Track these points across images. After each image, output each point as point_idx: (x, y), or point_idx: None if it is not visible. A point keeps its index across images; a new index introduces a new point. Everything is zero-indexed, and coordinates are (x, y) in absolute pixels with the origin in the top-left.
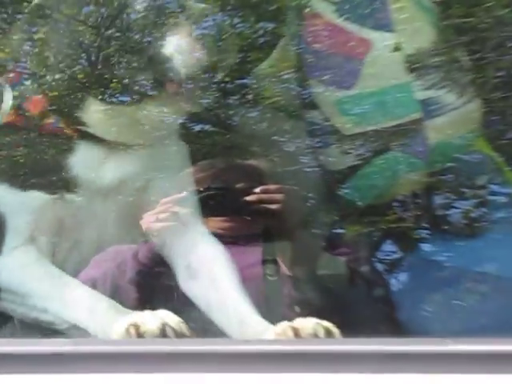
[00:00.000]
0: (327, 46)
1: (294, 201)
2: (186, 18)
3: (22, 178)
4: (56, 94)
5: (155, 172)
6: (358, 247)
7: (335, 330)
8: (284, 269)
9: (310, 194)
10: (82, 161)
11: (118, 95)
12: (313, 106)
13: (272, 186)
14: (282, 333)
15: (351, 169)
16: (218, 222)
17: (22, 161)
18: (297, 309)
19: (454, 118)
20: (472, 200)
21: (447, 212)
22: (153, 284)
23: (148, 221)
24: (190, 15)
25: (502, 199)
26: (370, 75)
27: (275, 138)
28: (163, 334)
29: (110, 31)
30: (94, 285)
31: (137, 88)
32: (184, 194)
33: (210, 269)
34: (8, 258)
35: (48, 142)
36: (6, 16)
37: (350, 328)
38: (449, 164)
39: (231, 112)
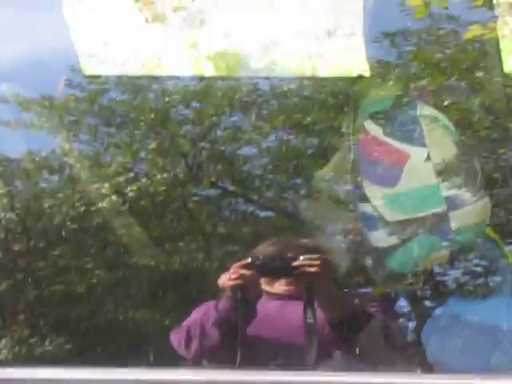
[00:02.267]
0: (376, 156)
1: (330, 266)
2: None
3: None
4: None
5: None
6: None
7: None
8: (319, 314)
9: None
10: None
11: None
12: (365, 199)
13: (313, 255)
14: None
15: (393, 246)
16: (280, 285)
17: None
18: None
19: (470, 210)
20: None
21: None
22: (228, 326)
23: (223, 280)
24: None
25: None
26: (409, 178)
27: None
28: None
29: (202, 143)
30: (188, 330)
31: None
32: (249, 260)
33: None
34: None
35: None
36: (127, 132)
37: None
38: (466, 245)
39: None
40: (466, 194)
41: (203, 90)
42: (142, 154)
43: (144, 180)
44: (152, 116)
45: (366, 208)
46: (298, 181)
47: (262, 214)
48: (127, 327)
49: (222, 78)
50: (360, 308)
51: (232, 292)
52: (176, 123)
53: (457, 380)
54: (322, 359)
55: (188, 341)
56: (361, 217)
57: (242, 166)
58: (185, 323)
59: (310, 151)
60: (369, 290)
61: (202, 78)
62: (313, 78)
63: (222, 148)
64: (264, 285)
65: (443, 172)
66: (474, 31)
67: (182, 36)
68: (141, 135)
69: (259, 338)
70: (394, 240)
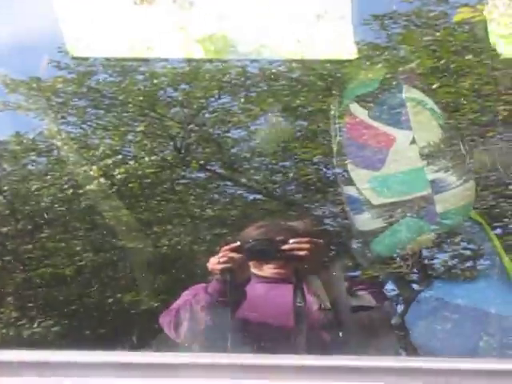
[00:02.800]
0: (362, 139)
1: (319, 250)
2: None
3: None
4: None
5: None
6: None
7: None
8: (310, 298)
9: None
10: None
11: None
12: (350, 182)
13: (303, 239)
14: None
15: (379, 230)
16: (269, 268)
17: None
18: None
19: (455, 193)
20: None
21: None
22: (218, 309)
23: (213, 263)
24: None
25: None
26: (394, 161)
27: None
28: None
29: (190, 126)
30: (177, 313)
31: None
32: (238, 243)
33: None
34: None
35: None
36: (116, 114)
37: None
38: (452, 228)
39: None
40: (451, 178)
41: (192, 73)
42: (130, 137)
43: (132, 163)
44: (140, 98)
45: (351, 191)
46: (287, 163)
47: (251, 196)
48: (115, 310)
49: (211, 61)
50: (349, 291)
51: (221, 275)
52: (164, 105)
53: (442, 363)
54: (310, 342)
55: (177, 324)
56: (346, 200)
57: (230, 148)
58: (174, 306)
59: (298, 134)
60: (358, 272)
61: (190, 61)
62: (302, 61)
63: (211, 130)
64: (253, 268)
65: (428, 155)
66: (463, 14)
67: (170, 18)
68: (129, 117)
69: (249, 322)
70: (379, 223)
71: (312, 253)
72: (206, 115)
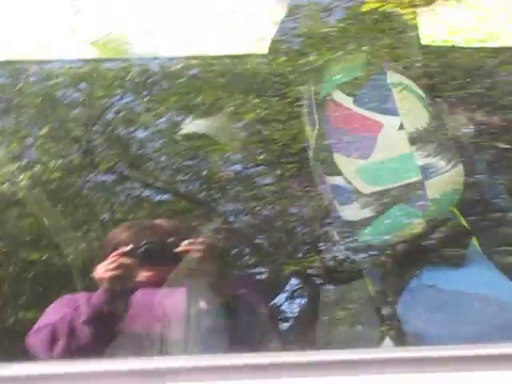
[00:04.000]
0: (348, 127)
1: (214, 251)
2: None
3: None
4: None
5: None
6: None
7: None
8: (202, 303)
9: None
10: None
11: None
12: (336, 172)
13: (197, 240)
14: None
15: (367, 219)
16: (160, 272)
17: None
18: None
19: (446, 178)
20: None
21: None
22: (104, 324)
23: (101, 271)
24: None
25: None
26: (382, 148)
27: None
28: None
29: (94, 127)
30: (53, 329)
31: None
32: (129, 247)
33: None
34: None
35: None
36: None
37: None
38: (442, 214)
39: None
40: (440, 162)
41: (91, 72)
42: (32, 140)
43: (37, 168)
44: (39, 100)
45: (337, 181)
46: (192, 162)
47: (158, 197)
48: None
49: (109, 60)
50: (240, 293)
51: (109, 284)
52: (65, 107)
53: (440, 351)
54: (206, 346)
55: (52, 341)
56: (331, 191)
57: (136, 149)
58: (44, 322)
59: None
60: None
61: (88, 60)
62: (202, 58)
63: (116, 131)
64: (142, 273)
65: (417, 140)
66: (369, 4)
67: (62, 22)
68: (28, 121)
69: (139, 331)
70: (368, 212)
71: (206, 254)
72: (110, 115)
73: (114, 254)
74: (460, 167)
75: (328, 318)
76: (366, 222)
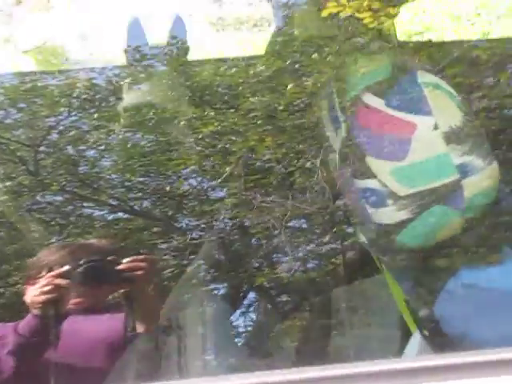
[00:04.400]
0: (380, 129)
1: (154, 269)
2: None
3: None
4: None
5: None
6: None
7: None
8: (139, 326)
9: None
10: None
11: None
12: (369, 175)
13: (138, 257)
14: None
15: (404, 221)
16: (98, 294)
17: None
18: None
19: (482, 176)
20: None
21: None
22: (31, 354)
23: (33, 295)
24: None
25: None
26: (417, 149)
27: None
28: None
29: (41, 148)
30: None
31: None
32: (66, 268)
33: None
34: None
35: None
36: None
37: None
38: (480, 212)
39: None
40: (476, 161)
41: (32, 89)
42: None
43: None
44: None
45: (370, 184)
46: (146, 179)
47: (111, 216)
48: None
49: (51, 74)
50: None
51: (41, 309)
52: (7, 128)
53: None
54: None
55: None
56: (362, 193)
57: (87, 167)
58: None
59: (153, 147)
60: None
61: (25, 75)
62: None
63: (65, 151)
64: (77, 296)
65: (452, 140)
66: (329, 8)
67: None
68: None
69: (70, 361)
70: (405, 215)
71: (148, 273)
72: (56, 135)
73: (47, 275)
74: (495, 164)
75: (339, 322)
76: (402, 225)
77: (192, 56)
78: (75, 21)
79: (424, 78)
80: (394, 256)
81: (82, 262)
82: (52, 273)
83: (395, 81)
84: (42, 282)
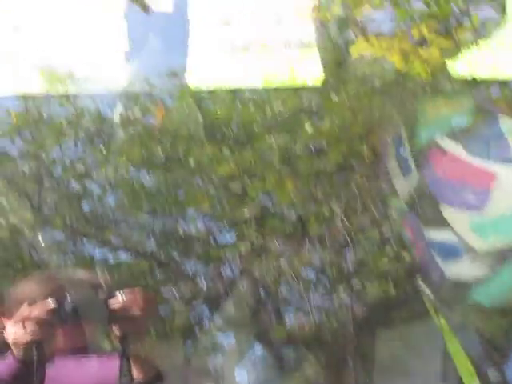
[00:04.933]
0: (457, 176)
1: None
2: None
3: None
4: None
5: None
6: None
7: None
8: (137, 372)
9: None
10: None
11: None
12: (443, 224)
13: (137, 291)
14: None
15: (480, 278)
16: (88, 335)
17: None
18: None
19: None
20: None
21: None
22: None
23: (17, 334)
24: None
25: None
26: (499, 200)
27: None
28: None
29: (45, 182)
30: None
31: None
32: (51, 302)
33: None
34: None
35: None
36: None
37: None
38: None
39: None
40: None
41: (35, 118)
42: None
43: None
44: None
45: (442, 235)
46: (153, 219)
47: (115, 254)
48: None
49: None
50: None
51: (24, 352)
52: (11, 160)
53: None
54: None
55: None
56: (433, 244)
57: (92, 204)
58: None
59: (163, 187)
60: None
61: (30, 99)
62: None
63: (69, 186)
64: (63, 336)
65: None
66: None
67: None
68: None
69: None
70: (481, 271)
71: (145, 309)
72: (60, 169)
73: (30, 312)
74: None
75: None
76: (477, 281)
77: (203, 84)
78: (83, 46)
79: (508, 124)
80: (463, 313)
81: (69, 295)
82: (34, 310)
83: (476, 126)
84: (23, 320)
